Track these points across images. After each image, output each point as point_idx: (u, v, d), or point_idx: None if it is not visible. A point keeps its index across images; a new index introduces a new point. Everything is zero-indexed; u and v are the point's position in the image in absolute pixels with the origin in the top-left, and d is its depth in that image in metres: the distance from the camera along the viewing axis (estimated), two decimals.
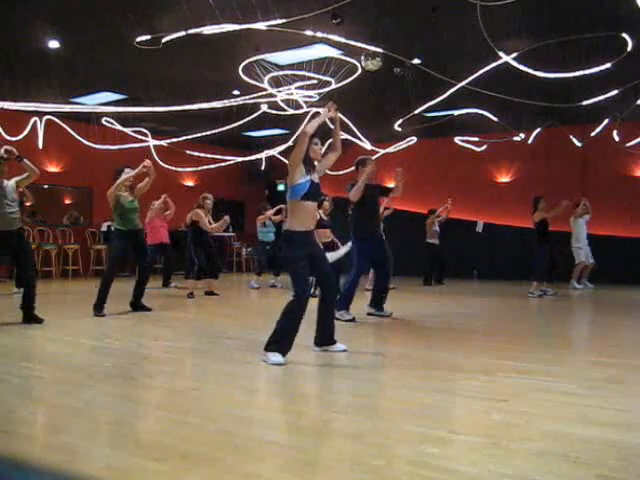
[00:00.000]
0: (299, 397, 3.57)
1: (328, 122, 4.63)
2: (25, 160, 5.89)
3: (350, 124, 10.90)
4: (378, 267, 6.78)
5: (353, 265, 6.56)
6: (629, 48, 6.87)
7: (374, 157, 7.26)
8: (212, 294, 9.17)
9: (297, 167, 4.28)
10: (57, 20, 7.53)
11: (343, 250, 7.04)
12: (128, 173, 6.79)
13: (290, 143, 11.40)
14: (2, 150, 5.74)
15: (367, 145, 11.96)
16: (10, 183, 5.92)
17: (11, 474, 2.28)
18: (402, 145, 12.55)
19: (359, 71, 8.09)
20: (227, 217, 9.01)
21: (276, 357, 4.08)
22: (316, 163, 4.49)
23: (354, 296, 6.45)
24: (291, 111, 9.64)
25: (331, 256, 6.67)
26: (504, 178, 13.97)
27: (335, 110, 4.58)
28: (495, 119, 10.49)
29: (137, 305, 7.08)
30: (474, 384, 3.61)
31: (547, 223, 9.41)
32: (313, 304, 4.48)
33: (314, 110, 10.12)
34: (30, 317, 5.92)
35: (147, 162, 6.88)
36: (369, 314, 6.69)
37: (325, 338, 4.56)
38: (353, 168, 6.73)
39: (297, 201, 4.29)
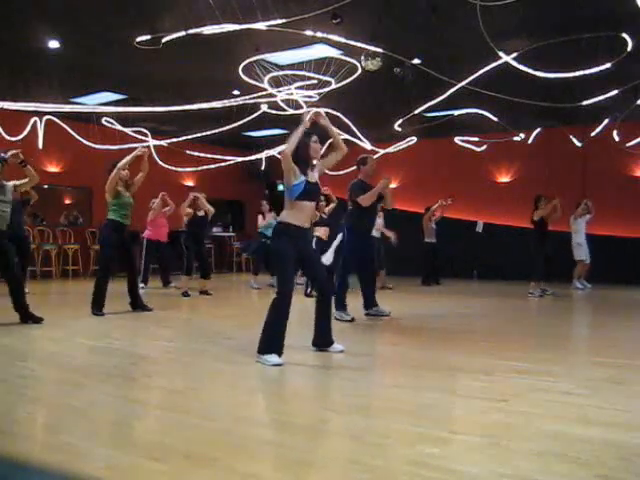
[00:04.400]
0: (298, 397, 3.57)
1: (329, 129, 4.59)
2: (29, 166, 5.96)
3: (350, 124, 10.90)
4: (364, 266, 6.68)
5: (338, 258, 6.58)
6: (629, 48, 6.87)
7: (374, 157, 7.26)
8: (206, 294, 9.21)
9: (289, 171, 4.26)
10: (57, 20, 7.52)
11: (333, 246, 7.06)
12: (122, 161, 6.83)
13: None
14: (9, 153, 5.76)
15: (367, 145, 11.96)
16: (9, 185, 5.93)
17: (11, 474, 2.28)
18: (402, 145, 12.55)
19: (359, 71, 8.09)
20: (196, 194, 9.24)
21: (273, 358, 4.07)
22: (315, 162, 4.47)
23: (346, 294, 6.43)
24: (291, 111, 9.63)
25: (327, 258, 6.71)
26: (504, 178, 13.97)
27: (318, 116, 4.51)
28: (495, 119, 10.49)
29: (137, 305, 7.08)
30: (474, 384, 3.61)
31: (546, 222, 9.42)
32: (309, 304, 4.48)
33: (313, 110, 10.12)
34: (27, 317, 5.90)
35: (142, 148, 6.94)
36: (367, 314, 6.68)
37: (323, 339, 4.56)
38: (353, 168, 6.75)
39: (293, 201, 4.29)
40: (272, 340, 4.14)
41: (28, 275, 9.60)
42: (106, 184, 6.78)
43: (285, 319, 4.17)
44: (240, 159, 13.30)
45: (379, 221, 9.22)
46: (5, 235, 5.89)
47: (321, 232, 8.55)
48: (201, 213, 9.24)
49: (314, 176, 4.40)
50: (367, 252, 6.57)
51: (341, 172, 12.81)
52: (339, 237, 6.78)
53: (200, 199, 9.17)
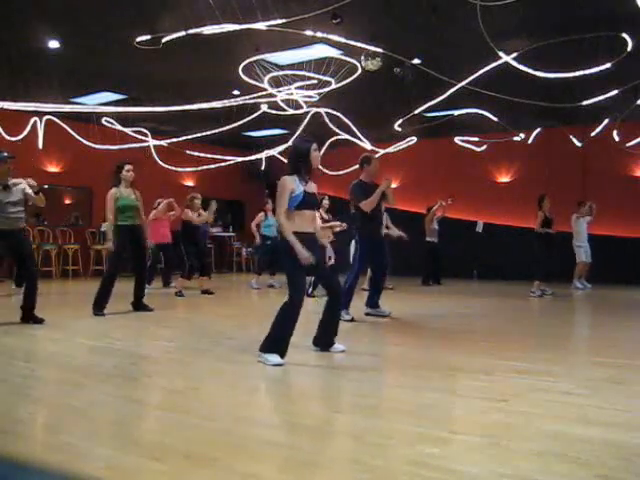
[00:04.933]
0: (298, 397, 3.57)
1: None
2: (41, 194, 6.05)
3: (350, 124, 10.91)
4: (376, 268, 6.78)
5: (353, 264, 6.59)
6: (629, 48, 6.87)
7: (376, 156, 7.26)
8: (208, 293, 9.23)
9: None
10: (57, 20, 7.53)
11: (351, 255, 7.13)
12: (128, 170, 6.82)
13: (291, 143, 11.40)
14: (30, 181, 5.86)
15: (367, 145, 11.96)
16: (19, 186, 5.91)
17: (11, 474, 2.28)
18: (402, 145, 12.56)
19: (359, 71, 8.09)
20: (213, 202, 9.55)
21: (274, 358, 4.07)
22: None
23: (353, 295, 6.45)
24: (291, 111, 9.64)
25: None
26: (504, 178, 13.98)
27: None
28: (495, 119, 10.49)
29: (139, 305, 7.08)
30: (474, 384, 3.61)
31: (550, 222, 9.43)
32: (309, 304, 4.48)
33: (314, 110, 10.14)
34: (29, 317, 5.91)
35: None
36: (367, 314, 6.69)
37: (326, 339, 4.55)
38: (354, 168, 6.74)
39: (292, 211, 4.22)
40: (276, 342, 4.14)
41: None
42: (107, 198, 6.77)
43: (293, 325, 4.17)
44: (240, 159, 13.30)
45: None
46: (21, 234, 5.97)
47: (323, 234, 8.48)
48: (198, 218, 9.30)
49: (312, 186, 4.35)
50: (377, 253, 6.55)
51: (341, 172, 12.84)
52: (353, 243, 6.84)
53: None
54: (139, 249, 7.00)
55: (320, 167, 4.50)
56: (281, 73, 8.35)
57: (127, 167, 6.84)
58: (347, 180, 6.81)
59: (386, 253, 6.68)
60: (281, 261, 4.38)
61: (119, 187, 6.79)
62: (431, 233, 11.71)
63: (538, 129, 11.75)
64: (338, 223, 8.40)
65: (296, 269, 4.20)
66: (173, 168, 13.14)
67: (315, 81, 8.53)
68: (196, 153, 13.10)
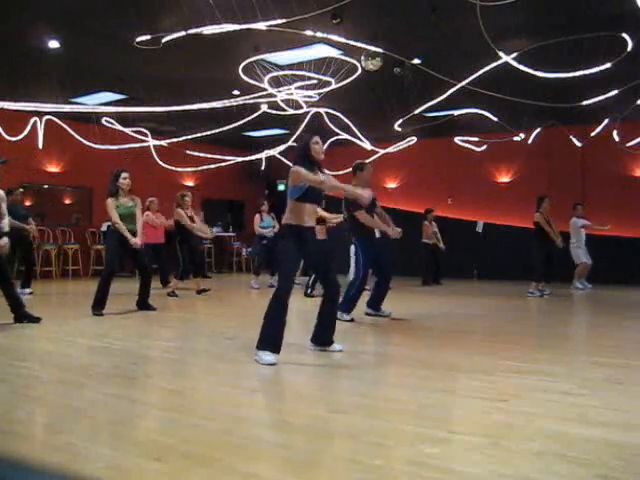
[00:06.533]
0: (298, 397, 3.57)
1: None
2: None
3: (350, 124, 10.90)
4: (379, 268, 6.78)
5: (358, 268, 6.56)
6: (629, 48, 6.87)
7: (374, 157, 7.23)
8: (203, 291, 9.25)
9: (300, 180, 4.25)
10: (57, 20, 7.52)
11: (353, 261, 7.11)
12: (124, 177, 6.82)
13: (290, 143, 11.40)
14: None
15: (367, 145, 11.96)
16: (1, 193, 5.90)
17: (11, 474, 2.28)
18: (402, 145, 12.55)
19: (359, 71, 8.09)
20: (214, 231, 9.50)
21: (267, 356, 4.07)
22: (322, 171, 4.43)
23: (357, 302, 6.43)
24: (291, 111, 9.64)
25: (352, 273, 6.79)
26: (504, 178, 13.97)
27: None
28: (495, 119, 10.49)
29: (143, 304, 7.09)
30: (474, 384, 3.61)
31: (548, 223, 9.43)
32: (308, 304, 4.47)
33: (314, 110, 10.14)
34: (22, 315, 5.90)
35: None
36: (367, 314, 6.69)
37: (324, 338, 4.55)
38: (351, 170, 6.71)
39: (294, 201, 4.28)
40: (269, 336, 4.14)
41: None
42: (107, 206, 6.76)
43: (283, 315, 4.17)
44: (240, 159, 13.30)
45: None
46: None
47: (318, 232, 8.48)
48: (190, 214, 9.27)
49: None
50: (378, 253, 6.52)
51: (340, 172, 12.84)
52: (352, 248, 6.83)
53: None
54: (137, 253, 6.99)
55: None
56: (281, 73, 8.35)
57: (123, 175, 6.82)
58: (345, 180, 6.78)
59: (389, 264, 6.67)
60: (277, 250, 4.41)
61: (117, 197, 6.77)
62: (428, 236, 11.73)
63: (538, 129, 11.75)
64: (334, 216, 8.40)
65: (286, 260, 4.25)
66: (173, 168, 13.14)
67: (315, 81, 8.53)
68: (196, 153, 13.10)
